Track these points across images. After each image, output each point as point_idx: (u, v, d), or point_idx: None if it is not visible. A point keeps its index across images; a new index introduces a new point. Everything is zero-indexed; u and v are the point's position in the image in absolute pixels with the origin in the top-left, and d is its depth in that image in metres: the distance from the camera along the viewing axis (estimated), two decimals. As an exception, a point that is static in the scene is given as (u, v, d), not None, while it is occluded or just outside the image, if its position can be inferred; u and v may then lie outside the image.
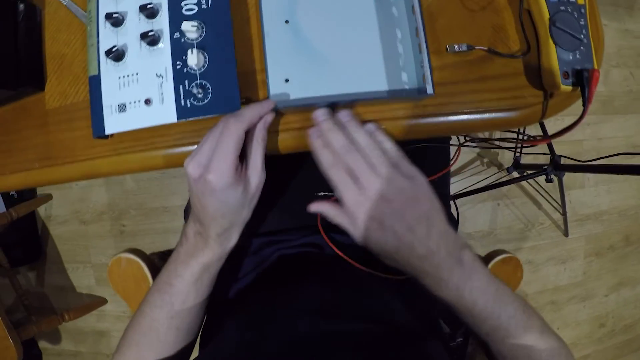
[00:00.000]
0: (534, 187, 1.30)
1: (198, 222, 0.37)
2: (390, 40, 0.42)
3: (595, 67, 0.43)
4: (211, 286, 0.42)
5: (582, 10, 0.44)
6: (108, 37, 0.40)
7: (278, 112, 0.41)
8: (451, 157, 0.61)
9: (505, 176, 1.18)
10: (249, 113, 0.35)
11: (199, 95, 0.37)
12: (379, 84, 0.41)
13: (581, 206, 1.39)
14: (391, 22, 0.42)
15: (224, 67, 0.38)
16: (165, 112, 0.38)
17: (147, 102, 0.38)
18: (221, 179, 0.34)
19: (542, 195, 1.31)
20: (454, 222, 0.61)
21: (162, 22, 0.39)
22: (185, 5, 0.39)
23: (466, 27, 0.44)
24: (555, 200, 1.30)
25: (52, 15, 0.46)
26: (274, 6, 0.42)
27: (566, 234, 1.37)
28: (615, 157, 0.79)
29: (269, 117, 0.37)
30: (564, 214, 1.32)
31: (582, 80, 0.42)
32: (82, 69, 0.44)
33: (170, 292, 0.39)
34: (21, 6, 0.44)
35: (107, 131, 0.39)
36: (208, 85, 0.37)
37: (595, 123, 1.38)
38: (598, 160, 0.79)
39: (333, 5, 0.42)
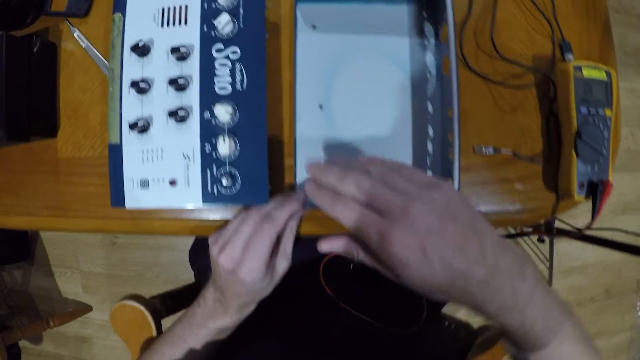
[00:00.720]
0: (524, 240, 1.34)
1: (219, 292, 0.38)
2: (421, 137, 0.42)
3: (610, 178, 0.45)
4: (221, 343, 0.43)
5: (608, 123, 0.45)
6: (132, 104, 0.38)
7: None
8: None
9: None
10: (282, 215, 0.35)
11: (227, 184, 0.36)
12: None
13: (568, 258, 1.42)
14: (425, 118, 0.42)
15: (255, 157, 0.37)
16: (190, 196, 0.37)
17: (172, 183, 0.37)
18: (253, 277, 0.35)
19: (530, 248, 1.36)
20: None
21: (192, 98, 0.37)
22: (218, 83, 0.37)
23: (496, 126, 0.44)
24: (542, 253, 1.34)
25: (69, 54, 0.43)
26: (309, 89, 0.41)
27: (550, 283, 1.40)
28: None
29: (301, 212, 0.38)
30: (550, 268, 1.36)
31: (596, 192, 0.43)
32: (99, 122, 0.42)
33: (183, 347, 0.40)
34: (37, 43, 0.41)
35: (128, 205, 0.38)
36: (237, 174, 0.37)
37: (590, 181, 1.41)
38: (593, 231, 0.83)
39: (369, 93, 0.42)
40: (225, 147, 0.36)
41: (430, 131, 0.42)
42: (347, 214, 0.29)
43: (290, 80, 0.41)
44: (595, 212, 0.44)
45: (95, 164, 0.42)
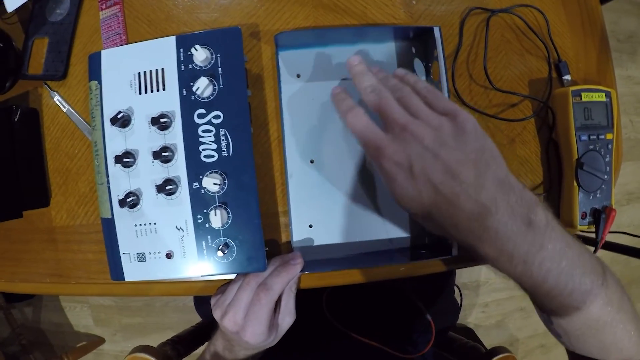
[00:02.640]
0: None
1: (228, 342, 0.39)
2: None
3: (612, 203, 0.44)
4: None
5: (610, 146, 0.43)
6: (119, 178, 0.37)
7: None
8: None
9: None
10: (279, 284, 0.35)
11: (223, 254, 0.36)
12: (402, 231, 0.41)
13: None
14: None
15: (249, 224, 0.36)
16: (187, 268, 0.37)
17: (169, 256, 0.37)
18: (257, 339, 0.35)
19: None
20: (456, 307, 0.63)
21: (178, 169, 0.36)
22: (204, 151, 0.36)
23: (493, 162, 0.43)
24: None
25: (52, 119, 0.43)
26: (299, 144, 0.39)
27: None
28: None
29: (297, 276, 0.38)
30: None
31: (599, 220, 0.43)
32: (90, 189, 0.42)
33: None
34: (17, 112, 0.40)
35: (127, 278, 0.38)
36: (232, 244, 0.36)
37: (591, 172, 1.38)
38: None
39: (360, 149, 0.40)
40: (217, 219, 0.35)
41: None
42: (354, 123, 0.30)
43: (278, 135, 0.40)
44: (599, 240, 0.43)
45: (90, 232, 0.42)
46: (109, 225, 0.38)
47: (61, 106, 0.41)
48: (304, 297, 0.41)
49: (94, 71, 0.38)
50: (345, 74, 0.40)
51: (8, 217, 0.40)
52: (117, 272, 0.38)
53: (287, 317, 0.38)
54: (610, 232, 0.92)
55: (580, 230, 0.47)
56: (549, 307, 0.29)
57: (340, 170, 0.40)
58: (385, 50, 0.41)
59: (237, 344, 0.38)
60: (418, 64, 0.41)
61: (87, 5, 0.42)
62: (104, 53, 0.38)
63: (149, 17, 0.41)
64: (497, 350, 0.52)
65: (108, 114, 0.37)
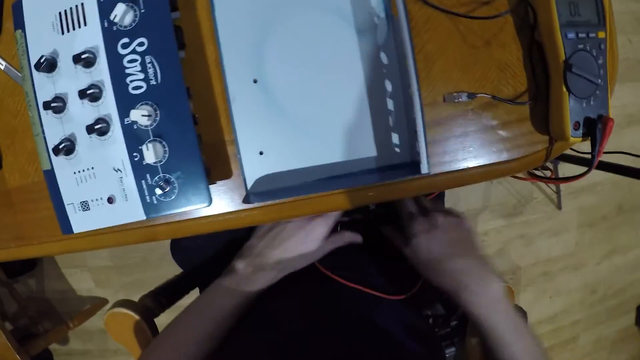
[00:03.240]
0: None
1: (257, 258, 0.44)
2: (379, 95, 0.37)
3: (609, 112, 0.38)
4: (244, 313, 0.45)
5: (602, 46, 0.37)
6: (52, 126, 0.35)
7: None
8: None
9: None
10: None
11: (165, 191, 0.34)
12: (367, 151, 0.37)
13: None
14: (379, 71, 0.37)
15: (187, 156, 0.33)
16: (131, 211, 0.35)
17: (110, 200, 0.35)
18: (314, 244, 0.44)
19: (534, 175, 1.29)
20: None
21: (108, 106, 0.34)
22: (131, 82, 0.33)
23: (468, 68, 0.38)
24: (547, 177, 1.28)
25: (-8, 79, 0.41)
26: (238, 63, 0.36)
27: (559, 207, 1.35)
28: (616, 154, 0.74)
29: None
30: (558, 191, 1.29)
31: (595, 130, 0.36)
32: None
33: (210, 315, 0.43)
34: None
35: (75, 230, 0.36)
36: (172, 179, 0.34)
37: (590, 94, 1.29)
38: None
39: (309, 55, 0.36)
40: (151, 154, 0.33)
41: (389, 86, 0.36)
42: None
43: (216, 57, 0.37)
44: (595, 153, 0.37)
45: (42, 188, 0.40)
46: (50, 177, 0.36)
47: (-2, 63, 0.40)
48: None
49: (18, 20, 0.36)
50: None
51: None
52: (65, 225, 0.36)
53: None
54: (609, 153, 0.83)
55: (573, 150, 0.44)
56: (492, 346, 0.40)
57: (289, 87, 0.36)
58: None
59: (279, 249, 0.43)
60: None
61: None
62: (24, 0, 0.36)
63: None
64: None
65: (33, 60, 0.35)
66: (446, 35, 0.38)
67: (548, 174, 1.22)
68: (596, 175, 1.32)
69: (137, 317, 0.50)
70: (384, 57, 0.37)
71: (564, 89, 0.35)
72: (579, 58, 0.35)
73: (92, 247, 0.42)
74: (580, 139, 0.37)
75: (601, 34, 0.36)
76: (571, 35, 0.36)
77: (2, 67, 0.40)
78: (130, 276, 1.28)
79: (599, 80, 0.36)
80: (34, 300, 1.32)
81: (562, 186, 1.32)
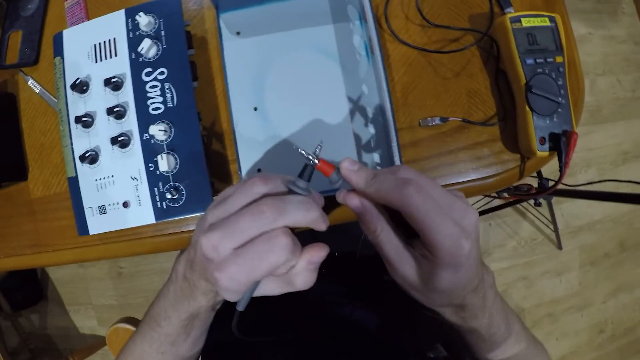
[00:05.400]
0: (523, 206, 1.29)
1: (189, 264, 0.31)
2: (361, 120, 0.42)
3: (574, 127, 0.43)
4: (205, 329, 0.36)
5: (561, 69, 0.43)
6: (80, 138, 0.40)
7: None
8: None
9: (494, 199, 1.16)
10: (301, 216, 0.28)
11: (174, 197, 0.38)
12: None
13: (573, 218, 1.36)
14: (362, 100, 0.42)
15: (195, 168, 0.38)
16: (143, 214, 0.39)
17: (125, 205, 0.39)
18: (228, 285, 0.26)
19: (532, 214, 1.30)
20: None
21: (131, 123, 0.39)
22: (152, 104, 0.39)
23: (439, 96, 0.43)
24: (545, 217, 1.28)
25: (27, 101, 0.47)
26: (242, 94, 0.42)
27: (559, 247, 1.36)
28: (605, 182, 0.78)
29: None
30: (556, 230, 1.30)
31: (560, 144, 0.41)
32: (62, 159, 0.45)
33: (159, 332, 0.35)
34: (-5, 96, 0.45)
35: (91, 232, 0.40)
36: (181, 187, 0.38)
37: (584, 134, 1.34)
38: (586, 186, 0.78)
39: (301, 87, 0.42)
40: (164, 164, 0.37)
41: (370, 112, 0.42)
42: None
43: (223, 89, 0.43)
44: (562, 165, 0.41)
45: (63, 199, 0.45)
46: (74, 183, 0.41)
47: (34, 88, 0.46)
48: None
49: (58, 49, 0.42)
50: (282, 27, 0.43)
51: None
52: (82, 226, 0.40)
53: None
54: (598, 182, 0.86)
55: (565, 184, 0.45)
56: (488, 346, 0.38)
57: (284, 114, 0.42)
58: (317, 1, 0.43)
59: (199, 271, 0.28)
60: (351, 9, 0.43)
61: (54, -3, 0.48)
62: (65, 32, 0.42)
63: (106, 1, 0.46)
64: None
65: (69, 82, 0.41)
66: (420, 69, 0.44)
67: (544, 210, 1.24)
68: (595, 213, 1.38)
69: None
70: (365, 88, 0.42)
71: (527, 108, 0.41)
72: (539, 80, 0.41)
73: (103, 257, 0.45)
74: (547, 153, 0.41)
75: (559, 59, 0.42)
76: (530, 61, 0.42)
77: (37, 91, 0.46)
78: (133, 315, 1.28)
79: (561, 99, 0.41)
80: (36, 336, 1.32)
81: (561, 225, 1.31)
